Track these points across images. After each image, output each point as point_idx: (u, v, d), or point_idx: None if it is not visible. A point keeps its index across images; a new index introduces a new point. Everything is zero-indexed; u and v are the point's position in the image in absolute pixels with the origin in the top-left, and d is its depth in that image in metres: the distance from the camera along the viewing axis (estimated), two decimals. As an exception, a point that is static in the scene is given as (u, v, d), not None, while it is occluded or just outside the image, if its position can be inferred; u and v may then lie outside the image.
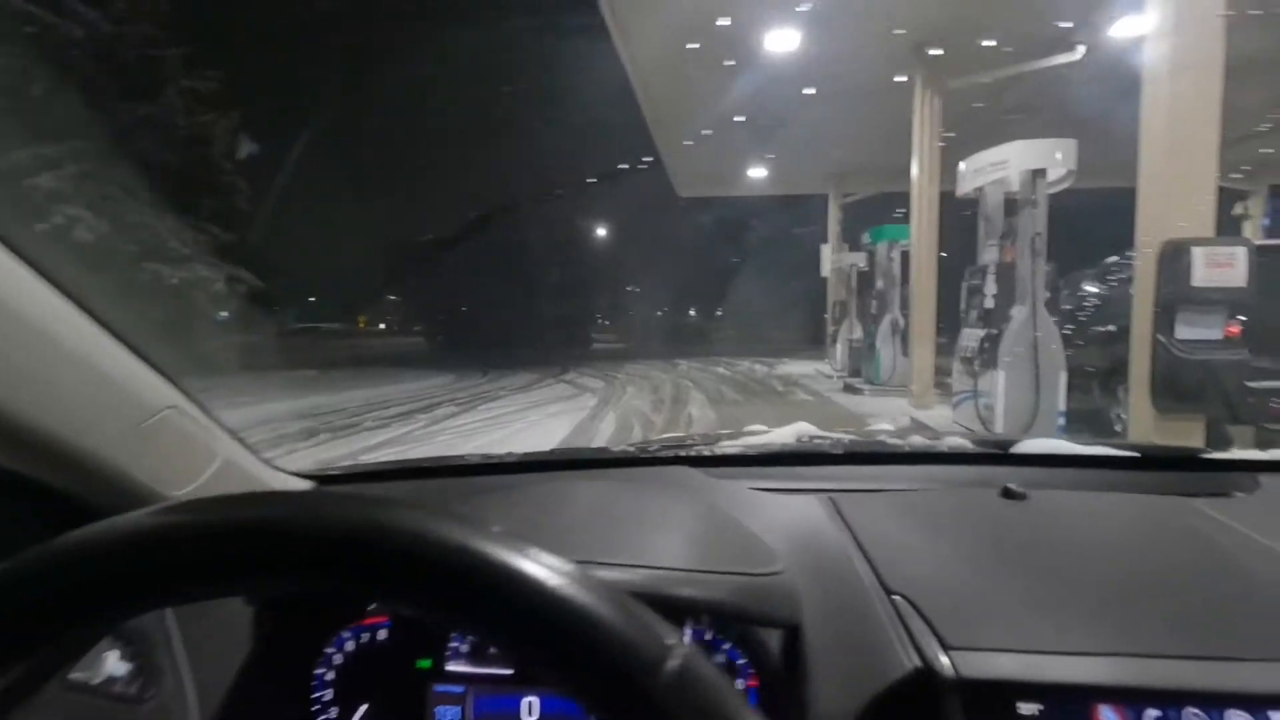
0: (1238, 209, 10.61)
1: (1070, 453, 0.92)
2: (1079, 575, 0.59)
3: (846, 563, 0.63)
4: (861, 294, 11.60)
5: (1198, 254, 3.62)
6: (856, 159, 11.60)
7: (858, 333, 11.39)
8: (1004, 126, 7.15)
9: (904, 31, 6.85)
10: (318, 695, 0.64)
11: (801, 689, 0.54)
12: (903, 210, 11.82)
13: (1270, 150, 10.02)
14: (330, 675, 0.64)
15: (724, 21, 6.75)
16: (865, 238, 10.88)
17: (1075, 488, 0.83)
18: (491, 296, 32.13)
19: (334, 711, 0.64)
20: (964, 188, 5.58)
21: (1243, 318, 3.85)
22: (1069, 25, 6.50)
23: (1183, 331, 3.70)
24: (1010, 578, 0.58)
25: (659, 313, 41.65)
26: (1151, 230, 3.79)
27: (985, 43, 6.84)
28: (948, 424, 6.00)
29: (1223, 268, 3.62)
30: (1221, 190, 3.91)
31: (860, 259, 11.35)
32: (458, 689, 0.61)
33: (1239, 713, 0.45)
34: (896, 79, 7.57)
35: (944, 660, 0.48)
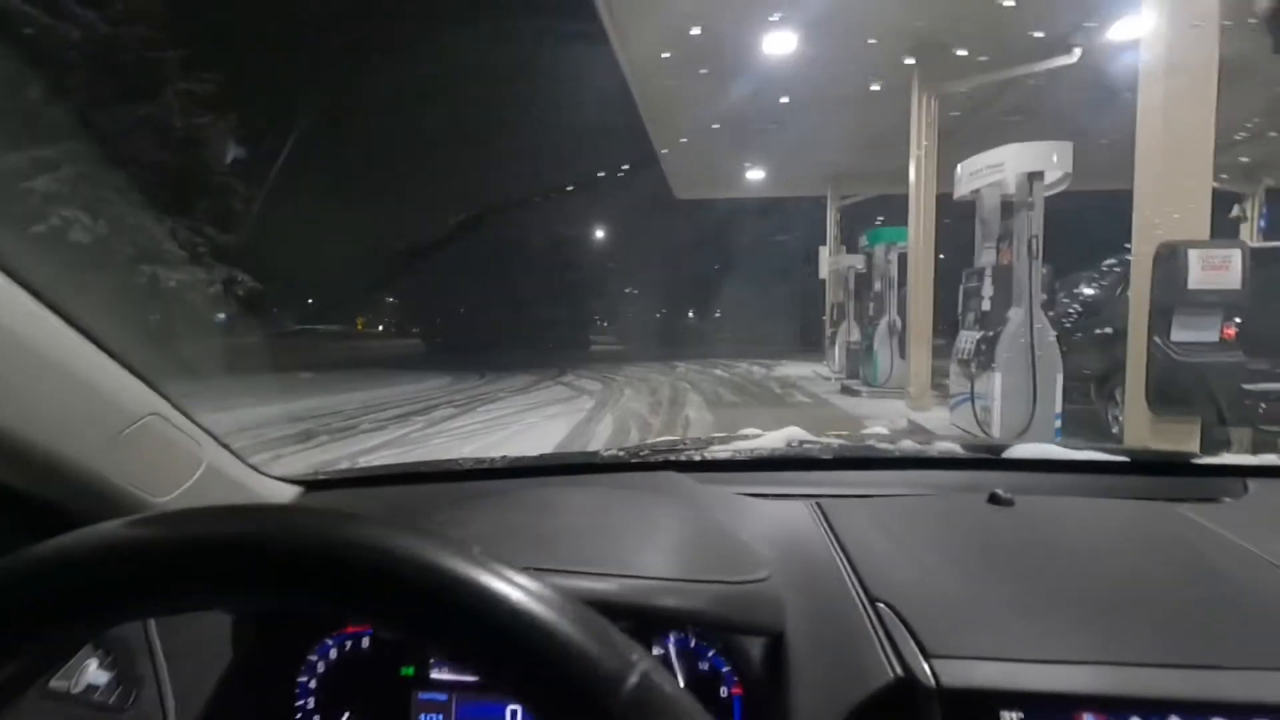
0: (1235, 212, 10.63)
1: (1060, 458, 0.92)
2: (1063, 582, 0.59)
3: (831, 569, 0.63)
4: (859, 296, 11.63)
5: (1193, 256, 3.63)
6: (854, 161, 11.62)
7: (856, 335, 11.42)
8: (1001, 129, 7.18)
9: (900, 34, 6.86)
10: (300, 703, 0.64)
11: (784, 697, 0.54)
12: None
13: (1247, 160, 10.13)
14: (313, 683, 0.64)
15: (721, 24, 6.76)
16: (863, 240, 10.91)
17: (1064, 493, 0.83)
18: (489, 298, 32.12)
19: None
20: (961, 190, 5.59)
21: (1238, 320, 3.86)
22: (1066, 28, 6.52)
23: (1178, 334, 3.70)
24: (994, 584, 0.58)
25: (657, 314, 41.70)
26: (1147, 232, 3.80)
27: (981, 46, 6.85)
28: (945, 426, 6.00)
29: (1218, 270, 3.62)
30: (1218, 193, 3.93)
31: (858, 261, 11.38)
32: (441, 696, 0.61)
33: None
34: (893, 82, 7.58)
35: (925, 669, 0.48)
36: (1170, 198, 3.75)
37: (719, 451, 0.97)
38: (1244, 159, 10.20)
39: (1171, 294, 3.67)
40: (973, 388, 5.23)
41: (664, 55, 7.53)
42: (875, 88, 7.98)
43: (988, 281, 5.28)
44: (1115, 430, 5.40)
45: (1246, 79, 5.95)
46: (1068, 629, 0.52)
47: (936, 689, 0.47)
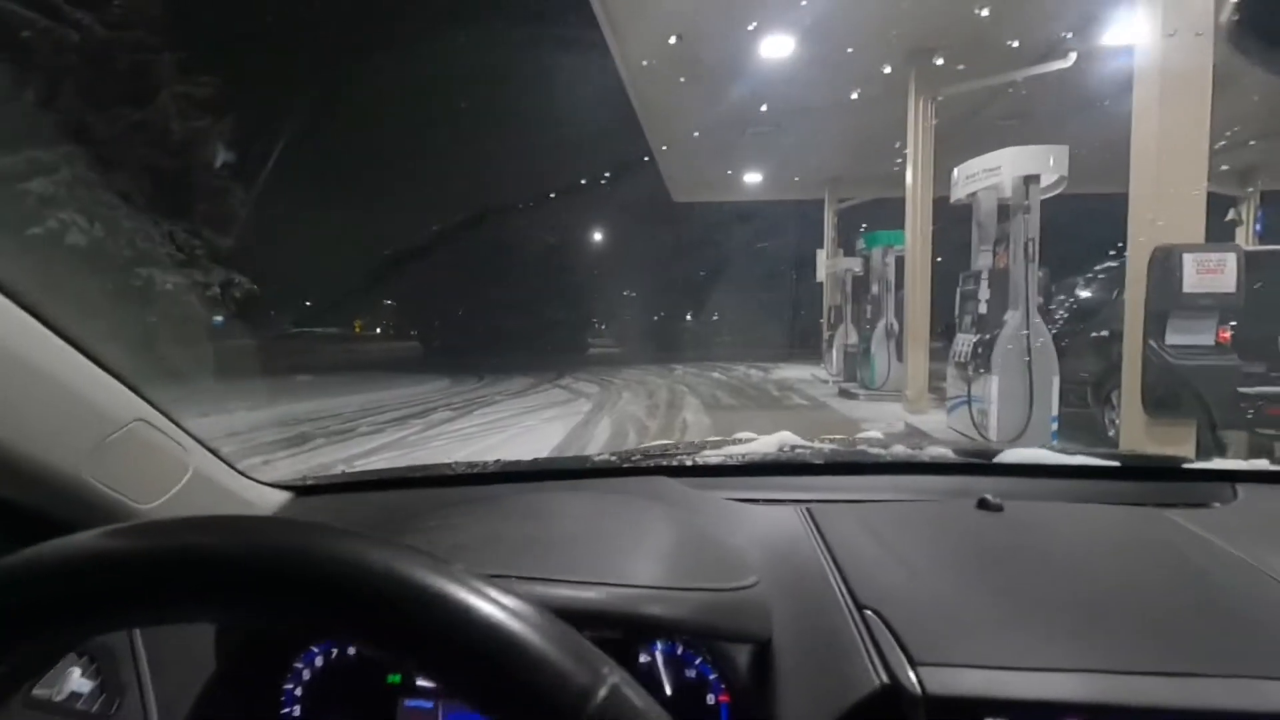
0: (1230, 215, 10.67)
1: (1050, 463, 0.92)
2: (1051, 588, 0.59)
3: (819, 576, 0.63)
4: (857, 299, 11.64)
5: (1188, 260, 3.64)
6: (851, 165, 11.65)
7: (853, 338, 11.42)
8: (997, 133, 7.20)
9: (898, 39, 6.89)
10: (286, 711, 0.63)
11: (771, 704, 0.54)
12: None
13: (1227, 167, 10.19)
14: (299, 691, 0.64)
15: (719, 27, 6.78)
16: (860, 243, 10.93)
17: (1054, 498, 0.83)
18: (487, 301, 32.06)
19: None
20: (958, 194, 5.61)
21: (1234, 323, 3.87)
22: (1061, 33, 6.55)
23: (1174, 337, 3.71)
24: (982, 591, 0.58)
25: (655, 317, 41.65)
26: (1142, 236, 3.81)
27: (978, 50, 6.88)
28: (942, 429, 6.01)
29: (1213, 274, 3.64)
30: (1213, 196, 3.94)
31: (855, 264, 11.40)
32: (427, 704, 0.61)
33: None
34: (890, 86, 7.60)
35: (911, 676, 0.48)
36: (1165, 201, 3.77)
37: (710, 456, 0.96)
38: (1238, 163, 10.27)
39: (1166, 297, 3.68)
40: (969, 391, 5.24)
41: (661, 59, 7.54)
42: (873, 92, 8.00)
43: (984, 285, 5.29)
44: (1112, 433, 5.40)
45: (1240, 83, 5.98)
46: (1054, 636, 0.51)
47: (922, 696, 0.47)
